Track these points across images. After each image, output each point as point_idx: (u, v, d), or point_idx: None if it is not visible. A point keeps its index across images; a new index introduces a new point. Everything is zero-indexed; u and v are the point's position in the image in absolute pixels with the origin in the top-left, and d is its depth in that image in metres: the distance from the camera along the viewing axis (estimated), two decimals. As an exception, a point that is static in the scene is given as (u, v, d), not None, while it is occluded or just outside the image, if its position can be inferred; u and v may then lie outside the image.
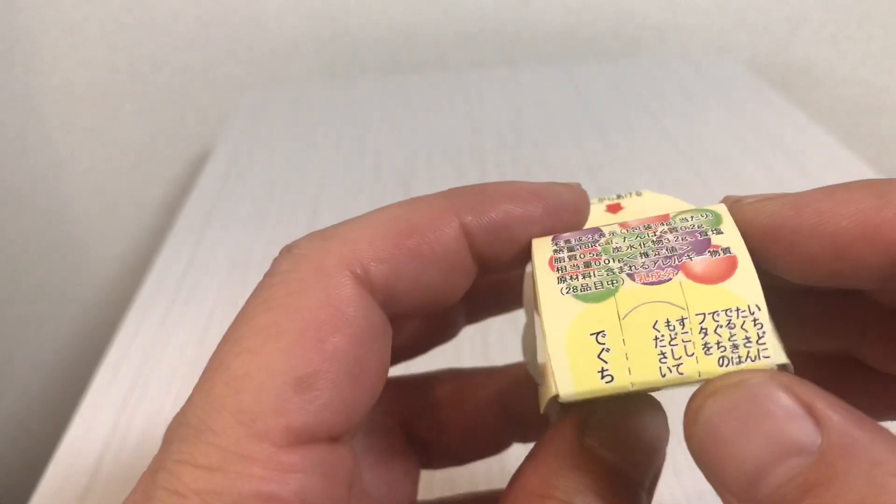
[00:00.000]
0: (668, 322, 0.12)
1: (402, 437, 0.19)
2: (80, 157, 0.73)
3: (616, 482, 0.13)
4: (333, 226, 0.14)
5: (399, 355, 0.19)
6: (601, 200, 0.17)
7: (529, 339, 0.18)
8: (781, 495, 0.11)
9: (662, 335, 0.12)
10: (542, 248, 0.14)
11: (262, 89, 0.67)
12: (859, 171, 0.48)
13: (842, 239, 0.13)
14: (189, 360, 0.35)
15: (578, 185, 0.16)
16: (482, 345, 0.34)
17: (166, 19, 0.67)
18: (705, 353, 0.12)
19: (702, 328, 0.12)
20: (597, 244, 0.14)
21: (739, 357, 0.12)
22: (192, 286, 0.40)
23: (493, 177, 0.49)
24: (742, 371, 0.12)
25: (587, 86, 0.63)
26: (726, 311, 0.12)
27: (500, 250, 0.15)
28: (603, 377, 0.12)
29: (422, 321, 0.19)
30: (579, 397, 0.12)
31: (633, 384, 0.12)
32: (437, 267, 0.14)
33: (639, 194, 0.17)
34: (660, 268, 0.13)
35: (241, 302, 0.14)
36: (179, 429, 0.13)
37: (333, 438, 0.13)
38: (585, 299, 0.13)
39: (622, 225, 0.14)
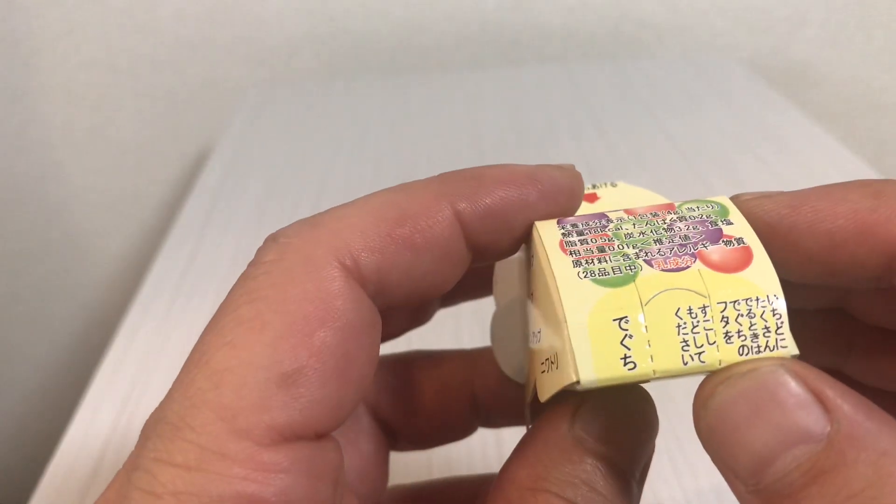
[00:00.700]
0: (690, 310, 0.12)
1: (370, 419, 0.18)
2: (80, 157, 0.73)
3: (607, 473, 0.13)
4: (322, 213, 0.14)
5: None
6: None
7: (500, 328, 0.18)
8: (789, 482, 0.11)
9: (685, 322, 0.12)
10: (549, 231, 0.14)
11: (262, 89, 0.67)
12: (859, 170, 0.48)
13: (837, 237, 0.13)
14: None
15: (573, 167, 0.15)
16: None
17: (166, 19, 0.67)
18: (726, 341, 0.12)
19: (723, 317, 0.12)
20: (606, 229, 0.14)
21: (759, 347, 0.12)
22: (192, 286, 0.40)
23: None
24: (753, 359, 0.12)
25: (587, 86, 0.63)
26: (746, 300, 0.12)
27: (494, 237, 0.14)
28: (626, 364, 0.12)
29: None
30: (601, 384, 0.12)
31: (655, 371, 0.12)
32: (430, 256, 0.14)
33: (614, 185, 0.17)
34: (676, 255, 0.13)
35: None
36: (157, 425, 0.12)
37: (319, 435, 0.12)
38: (605, 284, 0.12)
39: (627, 211, 0.14)
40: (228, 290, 0.13)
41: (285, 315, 0.12)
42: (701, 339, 0.12)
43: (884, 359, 0.16)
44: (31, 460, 0.79)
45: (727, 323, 0.12)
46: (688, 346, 0.12)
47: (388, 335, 0.18)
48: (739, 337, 0.12)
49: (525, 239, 0.15)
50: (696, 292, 0.12)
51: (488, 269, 0.18)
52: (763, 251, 0.13)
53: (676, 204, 0.14)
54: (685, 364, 0.12)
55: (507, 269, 0.17)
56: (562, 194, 0.15)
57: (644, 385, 0.14)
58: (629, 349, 0.12)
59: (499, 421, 0.19)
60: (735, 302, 0.12)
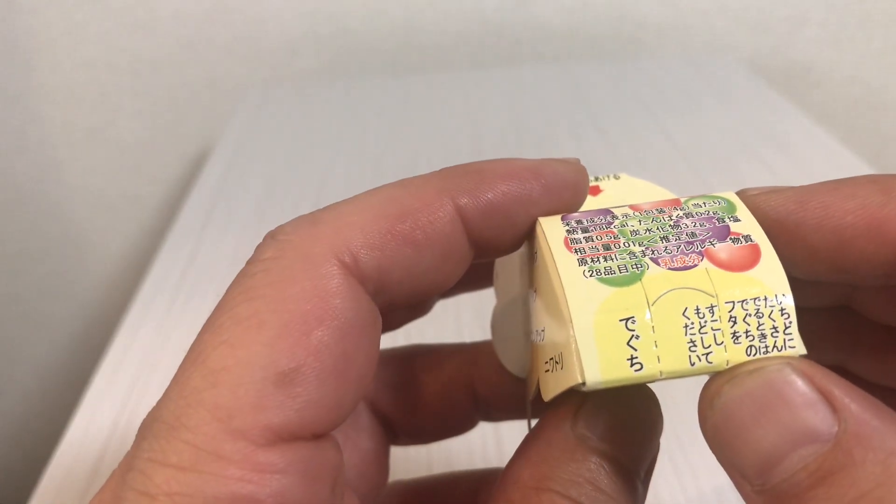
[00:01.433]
0: (697, 309, 0.12)
1: (370, 414, 0.18)
2: (80, 157, 0.73)
3: (611, 472, 0.12)
4: (322, 209, 0.14)
5: None
6: None
7: (501, 323, 0.18)
8: (796, 482, 0.11)
9: (692, 322, 0.12)
10: (553, 228, 0.14)
11: (262, 89, 0.67)
12: (859, 170, 0.48)
13: (846, 234, 0.13)
14: (189, 359, 0.35)
15: (577, 161, 0.15)
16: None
17: (166, 19, 0.67)
18: (734, 342, 0.12)
19: (731, 316, 0.12)
20: (611, 226, 0.13)
21: (766, 347, 0.12)
22: (192, 286, 0.40)
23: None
24: (760, 359, 0.12)
25: (587, 86, 0.63)
26: (755, 299, 0.12)
27: (497, 233, 0.14)
28: (632, 365, 0.12)
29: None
30: (606, 385, 0.12)
31: (662, 372, 0.12)
32: (431, 253, 0.13)
33: (616, 178, 0.17)
34: (683, 253, 0.13)
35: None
36: (153, 424, 0.12)
37: (317, 436, 0.12)
38: (611, 283, 0.12)
39: (633, 207, 0.14)
40: (225, 290, 0.13)
41: (283, 314, 0.12)
42: (708, 339, 0.12)
43: (890, 357, 0.15)
44: (31, 460, 0.79)
45: (735, 323, 0.12)
46: (695, 346, 0.12)
47: (386, 327, 0.18)
48: (747, 337, 0.12)
49: (528, 235, 0.14)
50: (704, 291, 0.12)
51: (489, 261, 0.18)
52: (771, 249, 0.13)
53: (682, 200, 0.14)
54: (692, 365, 0.12)
55: (508, 264, 0.17)
56: (566, 189, 0.14)
57: (650, 385, 0.14)
58: (636, 350, 0.12)
59: (499, 415, 0.19)
60: (743, 301, 0.12)
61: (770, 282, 0.12)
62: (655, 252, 0.13)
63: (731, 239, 0.13)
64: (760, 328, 0.12)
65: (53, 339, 0.82)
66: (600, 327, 0.12)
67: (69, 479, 0.29)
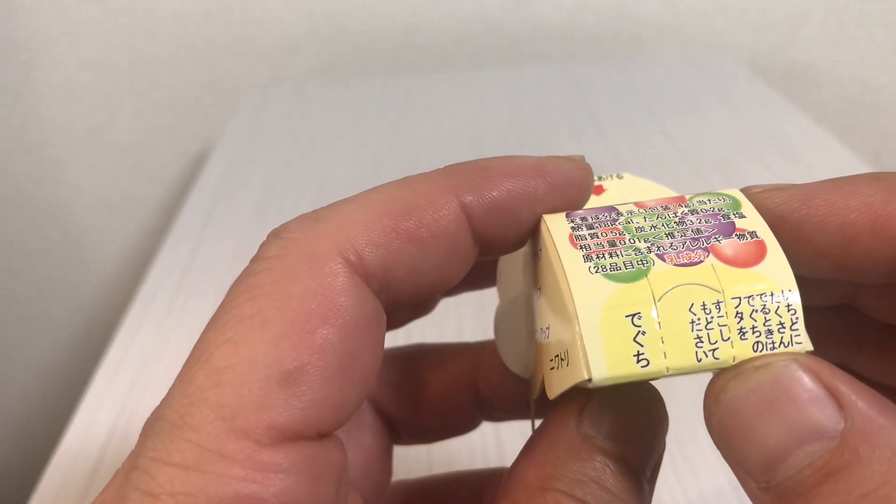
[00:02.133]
0: (703, 305, 0.12)
1: (373, 413, 0.18)
2: (80, 157, 0.73)
3: (617, 471, 0.12)
4: (325, 207, 0.13)
5: None
6: None
7: (504, 323, 0.17)
8: (801, 479, 0.11)
9: (699, 318, 0.12)
10: (558, 225, 0.14)
11: (262, 89, 0.67)
12: (859, 170, 0.48)
13: (850, 231, 0.12)
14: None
15: (582, 158, 0.15)
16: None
17: (166, 19, 0.67)
18: (741, 337, 0.12)
19: (737, 312, 0.12)
20: (616, 223, 0.13)
21: (773, 343, 0.12)
22: (192, 286, 0.40)
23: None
24: (767, 355, 0.12)
25: (587, 86, 0.63)
26: (761, 295, 0.12)
27: (501, 230, 0.14)
28: (638, 361, 0.12)
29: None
30: (612, 382, 0.12)
31: (668, 369, 0.12)
32: (436, 250, 0.13)
33: (620, 177, 0.17)
34: (689, 249, 0.13)
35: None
36: (156, 423, 0.12)
37: (321, 435, 0.12)
38: (617, 279, 0.12)
39: (637, 204, 0.14)
40: (228, 289, 0.13)
41: (287, 312, 0.12)
42: (715, 335, 0.12)
43: (893, 355, 0.15)
44: (31, 460, 0.79)
45: (741, 319, 0.12)
46: (702, 342, 0.12)
47: (390, 325, 0.18)
48: (754, 333, 0.12)
49: (532, 233, 0.14)
50: (710, 287, 0.12)
51: (492, 259, 0.18)
52: (777, 245, 0.13)
53: (687, 197, 0.14)
54: (699, 361, 0.12)
55: (511, 263, 0.17)
56: (571, 187, 0.14)
57: (653, 382, 0.13)
58: (642, 346, 0.12)
59: (502, 415, 0.19)
60: (749, 297, 0.12)
61: (776, 277, 0.12)
62: (661, 248, 0.13)
63: (736, 235, 0.13)
64: (767, 324, 0.12)
65: (53, 339, 0.82)
66: (606, 323, 0.12)
67: (69, 479, 0.29)
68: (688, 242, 0.13)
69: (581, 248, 0.13)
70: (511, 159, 0.14)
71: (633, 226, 0.13)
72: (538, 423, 0.14)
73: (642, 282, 0.12)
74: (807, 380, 0.11)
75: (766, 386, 0.11)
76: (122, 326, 0.37)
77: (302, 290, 0.12)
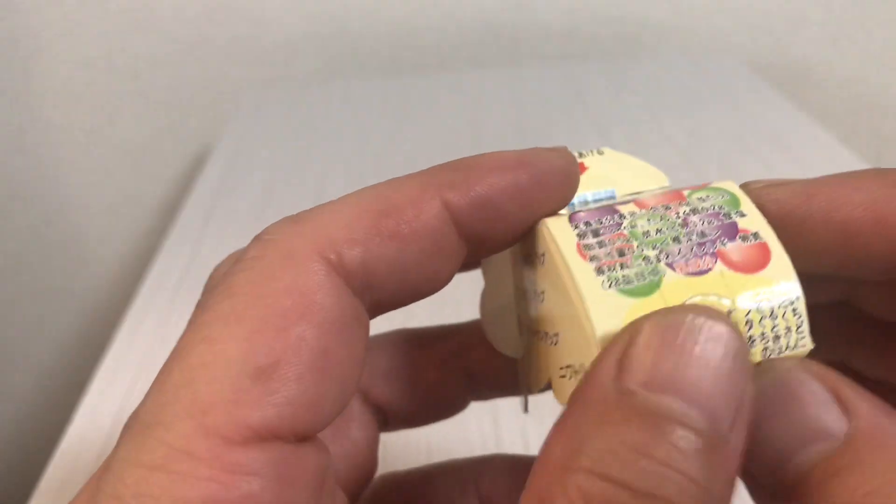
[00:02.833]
0: None
1: (360, 403, 0.18)
2: (80, 157, 0.73)
3: (674, 432, 0.10)
4: (307, 210, 0.13)
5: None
6: None
7: (491, 304, 0.17)
8: (806, 479, 0.11)
9: None
10: (562, 231, 0.13)
11: (262, 89, 0.67)
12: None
13: (853, 227, 0.12)
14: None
15: (565, 148, 0.15)
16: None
17: (166, 19, 0.67)
18: (751, 344, 0.12)
19: (747, 321, 0.12)
20: (621, 227, 0.13)
21: (780, 348, 0.12)
22: (191, 286, 0.40)
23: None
24: (774, 358, 0.12)
25: (587, 86, 0.63)
26: (769, 302, 0.12)
27: (488, 226, 0.14)
28: None
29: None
30: None
31: None
32: (418, 247, 0.13)
33: (600, 152, 0.17)
34: (696, 256, 0.13)
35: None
36: (132, 424, 0.11)
37: (298, 437, 0.12)
38: (631, 294, 0.12)
39: (637, 203, 0.14)
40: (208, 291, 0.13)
41: (262, 309, 0.12)
42: None
43: (890, 353, 0.15)
44: (31, 460, 0.79)
45: (751, 327, 0.12)
46: None
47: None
48: (763, 339, 0.12)
49: (524, 231, 0.14)
50: (721, 297, 0.12)
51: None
52: (780, 246, 0.13)
53: (686, 192, 0.14)
54: None
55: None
56: (555, 176, 0.14)
57: None
58: None
59: (491, 393, 0.19)
60: (758, 306, 0.12)
61: (782, 282, 0.12)
62: (670, 256, 0.13)
63: (740, 237, 0.13)
64: (775, 330, 0.12)
65: (53, 339, 0.82)
66: None
67: (69, 479, 0.29)
68: (695, 248, 0.13)
69: (591, 259, 0.13)
70: (493, 154, 0.14)
71: (638, 230, 0.13)
72: (540, 422, 0.14)
73: (656, 295, 0.12)
74: (812, 383, 0.11)
75: (774, 388, 0.11)
76: (122, 326, 0.37)
77: (278, 287, 0.12)
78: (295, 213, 0.14)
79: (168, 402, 0.11)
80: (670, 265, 0.13)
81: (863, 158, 0.49)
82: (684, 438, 0.10)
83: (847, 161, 0.49)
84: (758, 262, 0.13)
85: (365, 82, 0.67)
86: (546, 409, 0.17)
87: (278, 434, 0.11)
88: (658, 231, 0.13)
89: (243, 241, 0.14)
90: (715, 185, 0.14)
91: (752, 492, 0.12)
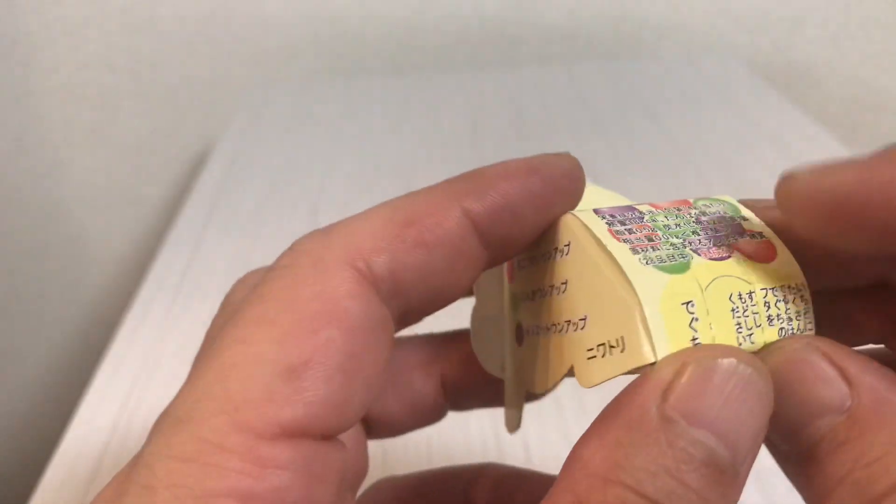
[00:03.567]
0: (740, 295, 0.13)
1: None
2: (80, 157, 0.73)
3: (703, 463, 0.11)
4: (335, 223, 0.14)
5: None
6: None
7: (480, 323, 0.18)
8: (815, 449, 0.12)
9: (737, 307, 0.13)
10: (592, 220, 0.14)
11: (262, 89, 0.67)
12: (859, 170, 0.48)
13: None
14: (189, 359, 0.35)
15: (568, 154, 0.15)
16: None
17: (166, 19, 0.67)
18: (769, 324, 0.13)
19: (765, 302, 0.13)
20: (643, 220, 0.14)
21: (793, 329, 0.13)
22: (192, 286, 0.40)
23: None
24: (788, 338, 0.13)
25: (587, 86, 0.63)
26: (782, 286, 0.14)
27: (506, 231, 0.14)
28: (694, 344, 0.13)
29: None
30: None
31: None
32: (441, 254, 0.14)
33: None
34: (715, 246, 0.14)
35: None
36: (164, 420, 0.12)
37: (324, 436, 0.12)
38: (667, 270, 0.13)
39: (652, 205, 0.15)
40: (228, 289, 0.13)
41: (293, 313, 0.12)
42: (750, 321, 0.13)
43: None
44: (31, 460, 0.79)
45: (769, 307, 0.13)
46: (741, 328, 0.13)
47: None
48: (779, 320, 0.13)
49: (539, 232, 0.15)
50: (743, 279, 0.13)
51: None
52: (782, 245, 0.14)
53: (691, 200, 0.15)
54: (739, 344, 0.13)
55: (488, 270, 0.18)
56: (563, 178, 0.15)
57: None
58: (696, 331, 0.13)
59: (468, 403, 0.19)
60: (773, 289, 0.13)
61: (790, 272, 0.14)
62: (693, 244, 0.14)
63: (748, 235, 0.14)
64: (788, 312, 0.13)
65: (53, 339, 0.82)
66: (666, 310, 0.13)
67: (69, 479, 0.29)
68: (713, 239, 0.14)
69: (624, 241, 0.14)
70: (503, 163, 0.15)
71: (659, 223, 0.14)
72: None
73: (688, 273, 0.13)
74: (818, 360, 0.12)
75: (782, 366, 0.12)
76: (122, 326, 0.37)
77: (309, 293, 0.13)
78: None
79: (201, 398, 0.12)
80: (696, 251, 0.14)
81: (863, 158, 0.49)
82: (711, 469, 0.11)
83: (847, 161, 0.49)
84: (767, 255, 0.14)
85: (365, 82, 0.67)
86: (544, 412, 0.17)
87: (307, 432, 0.12)
88: (677, 225, 0.14)
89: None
90: (714, 196, 0.15)
91: (776, 456, 0.13)
